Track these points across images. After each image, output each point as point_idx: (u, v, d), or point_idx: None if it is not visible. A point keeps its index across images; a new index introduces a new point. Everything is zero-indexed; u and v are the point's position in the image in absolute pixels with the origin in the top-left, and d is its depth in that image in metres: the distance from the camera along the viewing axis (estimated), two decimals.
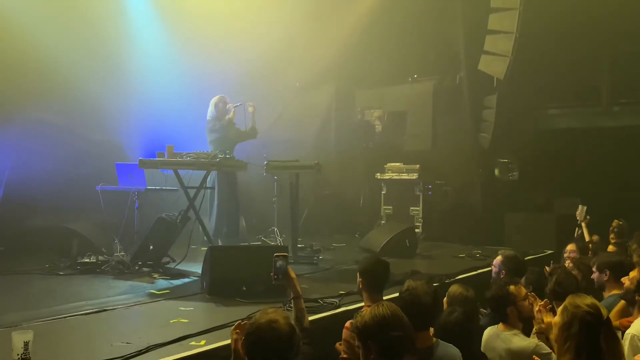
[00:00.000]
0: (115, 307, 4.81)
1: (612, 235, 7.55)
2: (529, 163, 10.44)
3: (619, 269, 4.78)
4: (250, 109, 7.80)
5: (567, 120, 10.73)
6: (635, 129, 10.16)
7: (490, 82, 10.10)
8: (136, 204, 7.20)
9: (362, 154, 11.32)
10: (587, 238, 7.47)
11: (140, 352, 3.54)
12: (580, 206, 7.93)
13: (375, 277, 3.86)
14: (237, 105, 7.76)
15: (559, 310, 2.82)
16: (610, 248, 6.25)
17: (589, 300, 2.75)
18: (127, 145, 8.88)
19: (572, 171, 10.45)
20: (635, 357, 2.92)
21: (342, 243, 9.41)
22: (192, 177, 6.87)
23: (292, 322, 2.63)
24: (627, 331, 3.39)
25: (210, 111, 7.73)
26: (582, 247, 6.49)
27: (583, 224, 7.69)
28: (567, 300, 2.79)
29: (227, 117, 7.70)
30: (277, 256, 3.52)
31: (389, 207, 10.58)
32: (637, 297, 3.61)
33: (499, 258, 4.82)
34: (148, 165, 6.64)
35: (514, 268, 4.70)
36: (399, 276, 5.62)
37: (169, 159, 6.55)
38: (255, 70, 9.88)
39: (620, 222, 7.96)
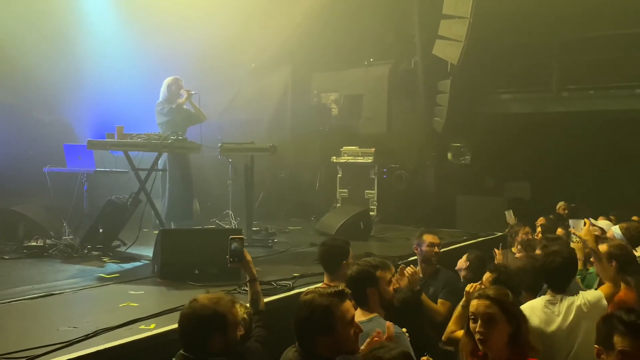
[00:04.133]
0: (63, 292, 4.69)
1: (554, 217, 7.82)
2: (481, 147, 10.65)
3: None
4: (187, 95, 7.56)
5: (518, 106, 10.97)
6: (582, 114, 10.47)
7: (445, 67, 10.22)
8: (85, 186, 7.03)
9: (318, 137, 11.31)
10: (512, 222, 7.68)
11: (87, 337, 3.46)
12: (505, 212, 8.08)
13: None
14: (192, 93, 7.54)
15: None
16: (559, 231, 6.43)
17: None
18: (76, 126, 8.64)
19: (522, 155, 10.72)
20: None
21: (298, 226, 9.42)
22: (143, 158, 6.74)
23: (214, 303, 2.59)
24: None
25: (162, 92, 7.53)
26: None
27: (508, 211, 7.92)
28: None
29: (178, 101, 7.51)
30: (232, 238, 3.48)
31: (344, 190, 10.63)
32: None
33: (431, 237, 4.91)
34: (97, 147, 6.47)
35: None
36: (353, 258, 5.65)
37: (118, 140, 6.37)
38: (209, 50, 9.70)
39: (573, 205, 8.24)
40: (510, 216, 7.82)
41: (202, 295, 2.62)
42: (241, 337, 3.20)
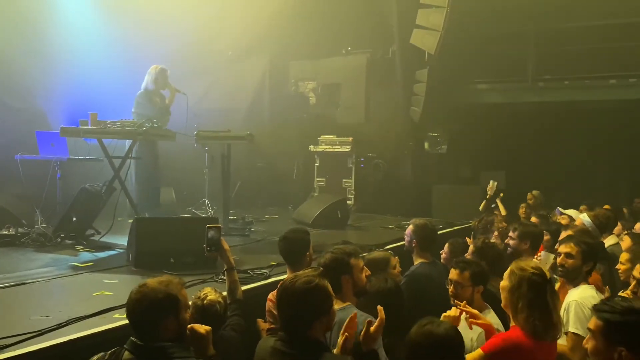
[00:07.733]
0: (35, 281, 4.60)
1: (526, 205, 7.91)
2: (457, 137, 10.72)
3: (539, 240, 5.01)
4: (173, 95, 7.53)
5: (494, 95, 11.05)
6: (557, 104, 10.60)
7: (422, 56, 10.23)
8: (58, 174, 6.89)
9: (296, 125, 11.28)
10: (503, 212, 7.77)
11: (60, 326, 3.41)
12: (491, 181, 8.20)
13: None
14: (180, 93, 7.47)
15: (506, 275, 3.02)
16: (534, 219, 6.49)
17: (532, 263, 3.10)
18: (49, 113, 8.47)
19: (498, 145, 10.83)
20: None
21: (275, 215, 9.40)
22: (117, 146, 6.64)
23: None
24: (569, 299, 3.51)
25: (148, 82, 7.41)
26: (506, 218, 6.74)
27: (498, 200, 8.03)
28: (512, 266, 3.03)
29: (166, 101, 7.45)
30: (209, 227, 3.46)
31: (322, 179, 10.64)
32: (584, 268, 3.69)
33: (410, 227, 4.88)
34: (70, 134, 6.37)
35: (424, 236, 4.77)
36: (330, 247, 5.65)
37: (92, 127, 6.28)
38: (186, 38, 9.59)
39: (534, 194, 8.33)
40: (491, 186, 7.93)
41: (151, 280, 2.57)
42: (216, 325, 3.19)
